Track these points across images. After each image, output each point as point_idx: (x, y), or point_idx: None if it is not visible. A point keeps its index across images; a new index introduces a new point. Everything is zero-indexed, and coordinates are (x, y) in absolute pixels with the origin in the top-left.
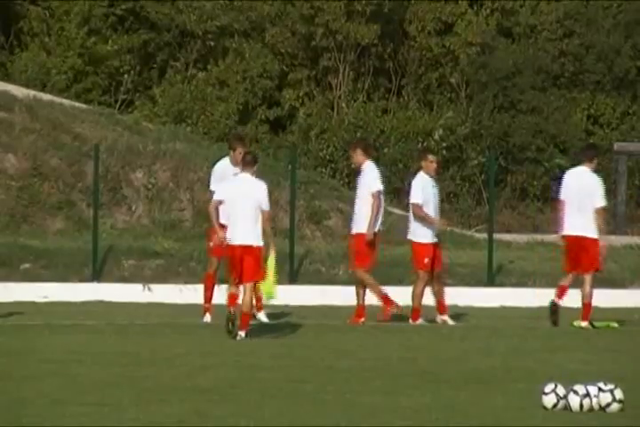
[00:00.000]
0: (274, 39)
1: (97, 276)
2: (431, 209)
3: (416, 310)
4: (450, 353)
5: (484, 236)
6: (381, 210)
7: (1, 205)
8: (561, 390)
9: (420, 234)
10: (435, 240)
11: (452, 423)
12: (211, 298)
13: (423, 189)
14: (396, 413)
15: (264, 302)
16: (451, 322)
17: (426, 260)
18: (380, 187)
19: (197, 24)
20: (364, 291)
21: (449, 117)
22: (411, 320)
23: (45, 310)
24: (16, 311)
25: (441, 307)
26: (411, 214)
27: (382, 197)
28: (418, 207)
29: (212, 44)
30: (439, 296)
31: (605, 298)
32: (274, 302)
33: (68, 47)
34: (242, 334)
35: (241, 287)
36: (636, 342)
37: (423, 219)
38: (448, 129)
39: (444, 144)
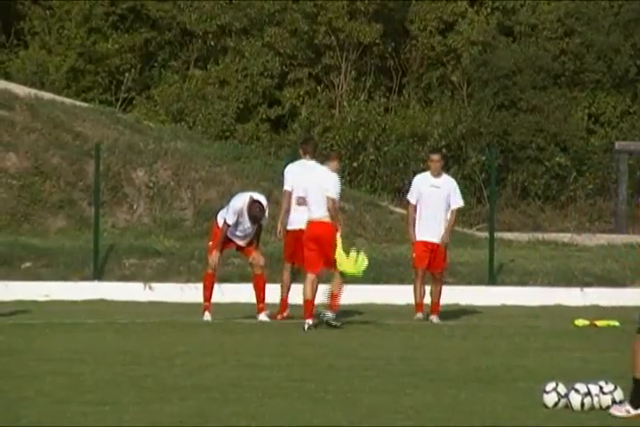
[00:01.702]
0: (272, 39)
1: (98, 275)
2: (427, 209)
3: (416, 304)
4: (451, 352)
5: (485, 234)
6: (289, 209)
7: (2, 203)
8: (562, 389)
9: (416, 231)
10: (430, 239)
11: (452, 423)
12: (210, 297)
13: (418, 189)
14: (397, 412)
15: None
16: (436, 321)
17: (413, 255)
18: (285, 187)
19: (197, 24)
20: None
21: (442, 120)
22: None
23: (46, 309)
24: (20, 310)
25: (433, 306)
26: None
27: (293, 197)
28: (409, 206)
29: (212, 43)
30: (433, 296)
31: (606, 297)
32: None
33: (68, 46)
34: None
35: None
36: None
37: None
38: (446, 127)
39: (443, 142)
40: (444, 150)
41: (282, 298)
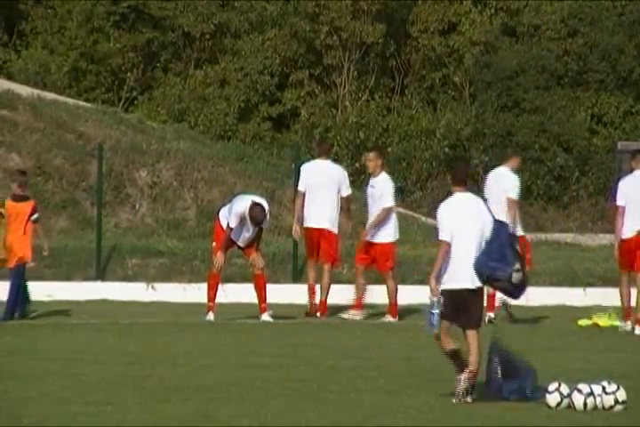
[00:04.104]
0: (273, 42)
1: (101, 275)
2: (368, 209)
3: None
4: None
5: None
6: (303, 208)
7: None
8: (565, 389)
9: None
10: (368, 239)
11: (454, 423)
12: (214, 297)
13: (367, 190)
14: (399, 412)
15: None
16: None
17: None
18: (299, 187)
19: (195, 25)
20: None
21: (450, 118)
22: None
23: (49, 309)
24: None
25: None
26: None
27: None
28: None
29: (211, 44)
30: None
31: (609, 297)
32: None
33: (70, 46)
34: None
35: None
36: (638, 340)
37: None
38: (450, 128)
39: (446, 142)
40: (446, 150)
41: (310, 300)
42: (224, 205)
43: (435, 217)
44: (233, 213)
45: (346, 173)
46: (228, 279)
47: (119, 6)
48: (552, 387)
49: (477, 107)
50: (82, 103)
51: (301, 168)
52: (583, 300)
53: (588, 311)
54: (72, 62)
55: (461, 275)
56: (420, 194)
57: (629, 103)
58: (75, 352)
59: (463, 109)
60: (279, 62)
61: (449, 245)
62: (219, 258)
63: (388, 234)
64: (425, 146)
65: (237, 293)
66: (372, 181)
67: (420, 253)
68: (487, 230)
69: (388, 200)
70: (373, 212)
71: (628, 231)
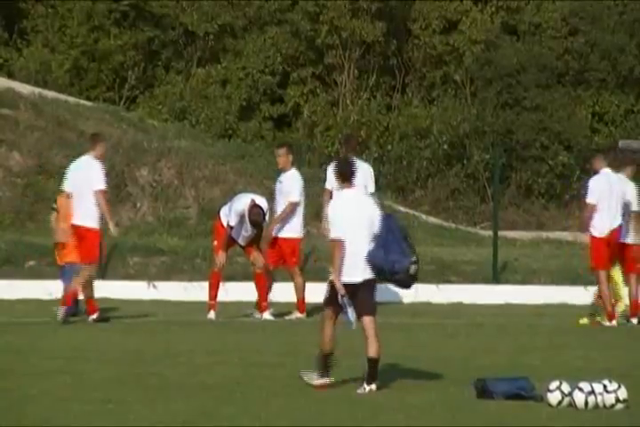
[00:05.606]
0: (274, 40)
1: (102, 273)
2: (276, 205)
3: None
4: (454, 351)
5: (489, 233)
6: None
7: (6, 202)
8: (566, 388)
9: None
10: (273, 234)
11: (456, 422)
12: (216, 295)
13: (276, 185)
14: (401, 411)
15: None
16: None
17: None
18: (326, 186)
19: (199, 24)
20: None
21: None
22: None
23: (50, 308)
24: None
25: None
26: None
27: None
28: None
29: (214, 43)
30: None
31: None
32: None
33: (71, 44)
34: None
35: None
36: (639, 339)
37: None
38: (447, 124)
39: (444, 138)
40: (445, 146)
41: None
42: (225, 203)
43: (435, 215)
44: (233, 211)
45: (372, 171)
46: (230, 278)
47: (120, 4)
48: (553, 385)
49: (478, 104)
50: (83, 101)
51: (328, 166)
52: (584, 298)
53: (589, 310)
54: (73, 60)
55: (353, 269)
56: (420, 193)
57: (630, 102)
58: (76, 351)
59: (464, 106)
60: (280, 61)
61: (343, 242)
62: (220, 257)
63: (292, 229)
64: (424, 144)
65: (239, 291)
66: (281, 177)
67: (420, 252)
68: (376, 225)
69: (294, 195)
70: (281, 207)
71: (603, 230)
